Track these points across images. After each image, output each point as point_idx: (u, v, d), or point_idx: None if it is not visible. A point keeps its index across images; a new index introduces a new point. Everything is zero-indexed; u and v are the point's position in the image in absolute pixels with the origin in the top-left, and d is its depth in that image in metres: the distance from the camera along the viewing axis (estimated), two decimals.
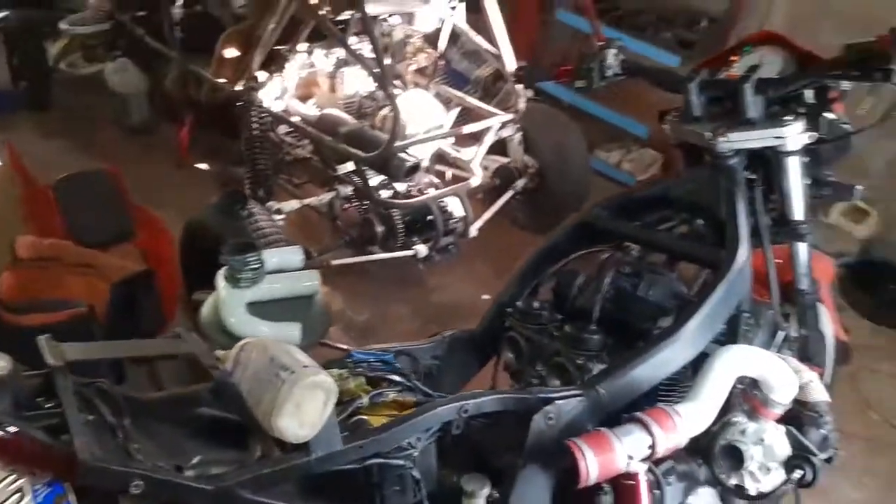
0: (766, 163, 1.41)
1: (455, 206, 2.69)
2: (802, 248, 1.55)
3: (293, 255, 1.68)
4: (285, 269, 1.64)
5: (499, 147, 3.00)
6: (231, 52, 2.79)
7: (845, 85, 1.31)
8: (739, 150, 1.39)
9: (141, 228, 2.53)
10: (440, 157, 2.86)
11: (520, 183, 2.99)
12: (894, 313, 3.02)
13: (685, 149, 1.52)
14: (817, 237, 3.26)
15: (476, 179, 2.68)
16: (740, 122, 1.36)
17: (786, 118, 1.33)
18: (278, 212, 2.40)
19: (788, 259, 1.61)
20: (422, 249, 2.62)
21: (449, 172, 2.86)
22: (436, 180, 2.72)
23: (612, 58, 1.50)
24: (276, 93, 2.66)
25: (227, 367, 0.90)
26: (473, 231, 2.74)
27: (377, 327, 2.71)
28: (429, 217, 2.63)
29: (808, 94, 1.34)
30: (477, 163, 2.75)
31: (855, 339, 2.82)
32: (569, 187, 2.97)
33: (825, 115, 1.37)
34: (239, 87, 2.62)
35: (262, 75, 2.60)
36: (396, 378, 1.11)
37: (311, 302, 1.63)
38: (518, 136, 2.96)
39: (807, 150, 1.41)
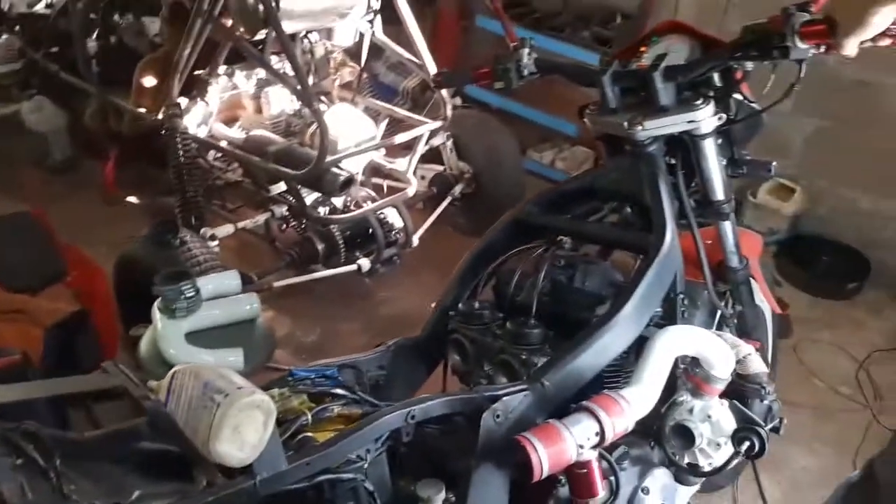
0: (684, 147, 1.45)
1: (394, 217, 2.69)
2: (727, 227, 1.59)
3: (230, 279, 1.65)
4: (223, 294, 1.61)
5: (433, 156, 3.02)
6: (149, 81, 2.73)
7: (748, 65, 1.35)
8: (657, 137, 1.42)
9: (72, 268, 2.44)
10: (375, 170, 2.86)
11: (457, 189, 3.03)
12: (828, 284, 3.15)
13: (606, 140, 1.55)
14: (748, 217, 3.40)
15: (412, 189, 2.69)
16: (654, 110, 1.39)
17: (696, 102, 1.37)
18: (212, 238, 2.35)
19: (717, 239, 1.66)
20: (365, 263, 2.61)
21: (385, 184, 2.87)
22: (372, 193, 2.71)
23: (526, 57, 1.52)
24: (199, 118, 2.61)
25: (160, 397, 0.88)
26: (415, 240, 2.74)
27: (327, 346, 2.68)
28: (369, 230, 2.62)
29: (716, 78, 1.38)
30: (411, 172, 2.77)
31: (794, 312, 2.94)
32: (504, 189, 3.00)
33: (734, 96, 1.41)
34: (160, 116, 2.57)
35: (183, 101, 2.55)
36: (340, 392, 1.10)
37: (253, 325, 1.60)
38: (450, 143, 3.00)
39: (720, 132, 1.45)
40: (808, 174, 3.31)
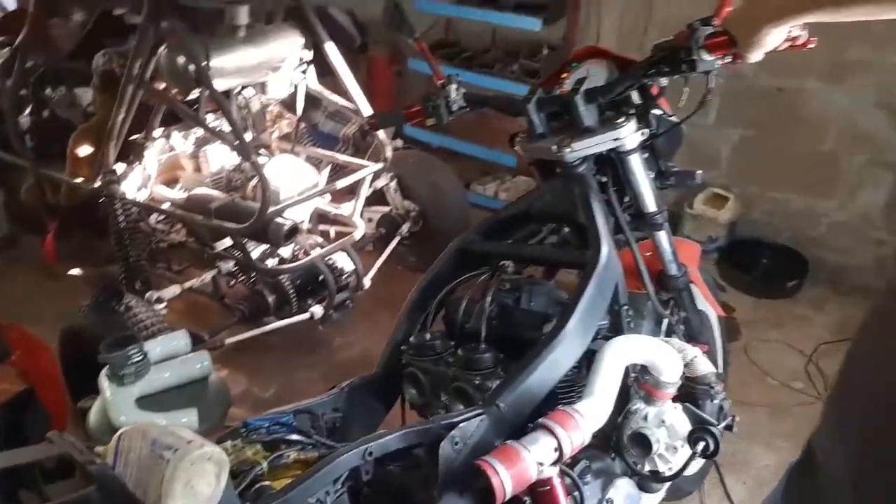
0: (613, 165, 1.52)
1: (344, 262, 2.69)
2: (663, 236, 1.65)
3: (178, 340, 1.63)
4: (172, 356, 1.59)
5: (379, 198, 3.06)
6: (84, 150, 2.71)
7: (662, 81, 1.42)
8: (585, 157, 1.48)
9: (15, 347, 2.36)
10: (322, 217, 2.87)
11: (404, 228, 3.05)
12: (770, 284, 3.26)
13: (538, 165, 1.60)
14: (688, 227, 3.50)
15: (359, 231, 2.70)
16: (580, 132, 1.45)
17: (619, 121, 1.44)
18: (159, 301, 2.32)
19: (656, 250, 1.72)
20: (318, 310, 2.59)
21: (333, 230, 2.87)
22: (320, 240, 2.72)
23: (454, 93, 1.57)
24: (138, 182, 2.60)
25: (108, 461, 0.86)
26: (367, 282, 2.74)
27: (287, 398, 2.58)
28: (319, 277, 2.61)
29: (634, 96, 1.45)
30: (358, 215, 2.78)
31: (740, 315, 3.04)
32: (451, 224, 3.04)
33: (653, 111, 1.48)
34: (98, 184, 2.54)
35: (120, 167, 2.53)
36: (295, 437, 1.09)
37: (206, 384, 1.58)
38: (393, 183, 3.04)
39: (645, 147, 1.52)
40: (739, 181, 3.44)
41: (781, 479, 0.96)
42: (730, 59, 1.30)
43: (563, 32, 3.60)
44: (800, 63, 3.05)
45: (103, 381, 1.47)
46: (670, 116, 1.52)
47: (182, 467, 0.80)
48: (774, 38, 1.16)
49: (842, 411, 0.82)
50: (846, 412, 0.80)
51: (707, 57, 1.29)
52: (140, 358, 1.46)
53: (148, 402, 1.47)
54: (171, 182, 2.78)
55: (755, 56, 1.24)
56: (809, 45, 1.26)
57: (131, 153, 2.61)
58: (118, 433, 0.87)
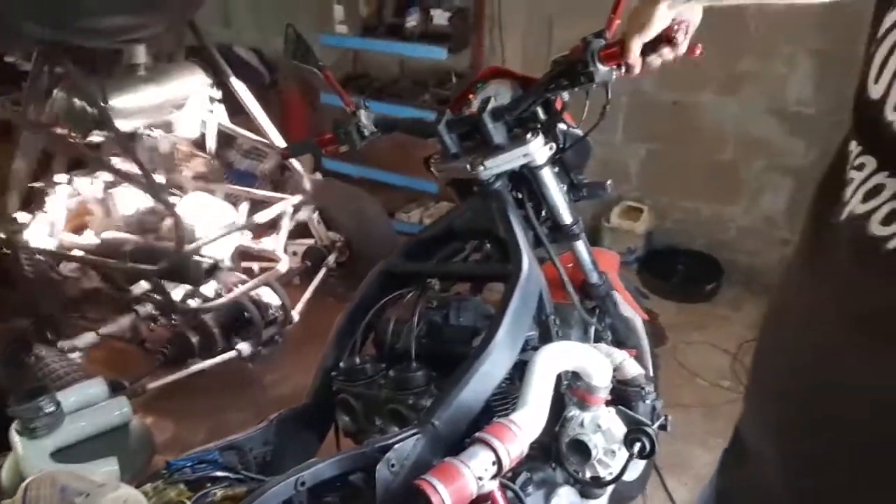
0: (526, 180, 1.55)
1: (270, 296, 2.63)
2: (581, 246, 1.69)
3: (94, 388, 1.56)
4: (89, 404, 1.51)
5: (302, 231, 3.02)
6: None
7: (564, 95, 1.47)
8: (499, 174, 1.50)
9: None
10: (244, 254, 2.81)
11: (330, 259, 3.03)
12: (689, 289, 3.38)
13: (455, 185, 1.62)
14: (607, 240, 3.61)
15: (284, 265, 2.65)
16: (491, 150, 1.48)
17: (526, 137, 1.47)
18: (73, 350, 2.20)
19: (577, 261, 1.76)
20: (245, 347, 2.52)
21: (257, 266, 2.81)
22: (243, 277, 2.65)
23: (364, 118, 1.57)
24: (44, 230, 2.48)
25: None
26: (295, 316, 2.69)
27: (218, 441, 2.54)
28: (244, 313, 2.54)
29: (539, 112, 1.49)
30: (281, 249, 2.74)
31: (664, 320, 3.13)
32: (378, 251, 2.99)
33: (559, 126, 1.53)
34: (0, 235, 2.41)
35: (22, 216, 2.41)
36: (221, 474, 1.04)
37: (126, 431, 1.52)
38: (316, 215, 3.01)
39: (555, 161, 1.56)
40: (651, 193, 3.58)
41: (716, 468, 0.99)
42: (625, 70, 1.35)
43: (469, 61, 3.68)
44: (695, 77, 3.22)
45: (14, 436, 1.38)
46: (575, 129, 1.57)
47: None
48: (662, 16, 1.22)
49: (759, 396, 0.86)
50: (762, 397, 0.84)
51: (602, 67, 1.34)
52: (52, 409, 1.39)
53: (64, 454, 1.40)
54: (80, 228, 2.66)
55: (635, 53, 1.29)
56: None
57: (34, 201, 2.49)
58: (25, 482, 0.81)
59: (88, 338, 2.30)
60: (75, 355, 2.19)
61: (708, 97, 3.28)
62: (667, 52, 1.30)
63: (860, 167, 0.66)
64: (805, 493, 0.73)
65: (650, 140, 3.47)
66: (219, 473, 1.04)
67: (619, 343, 1.86)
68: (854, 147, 0.68)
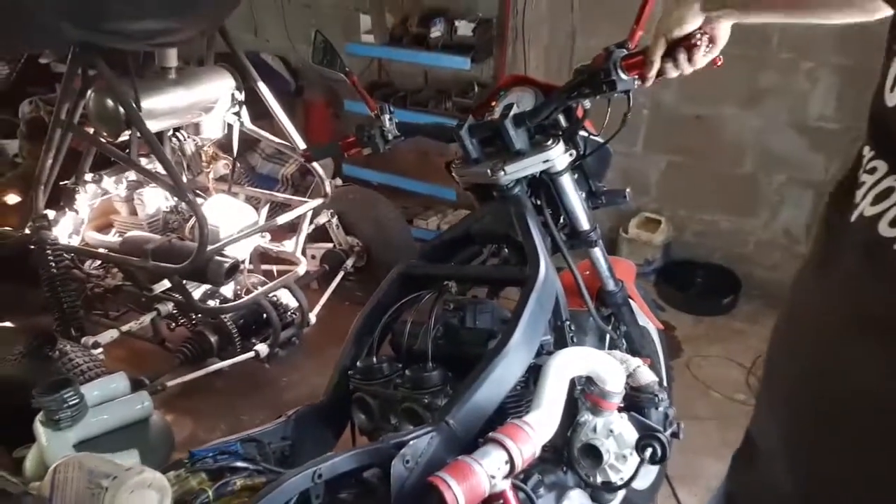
0: (546, 186, 1.57)
1: (288, 298, 2.67)
2: (598, 253, 1.70)
3: (117, 381, 1.58)
4: (111, 398, 1.54)
5: (321, 235, 3.06)
6: (12, 199, 2.64)
7: (585, 103, 1.49)
8: (519, 180, 1.52)
9: None
10: (263, 256, 2.85)
11: (348, 263, 3.05)
12: (706, 302, 3.37)
13: (475, 190, 1.64)
14: (625, 251, 3.61)
15: (302, 267, 2.69)
16: (512, 155, 1.50)
17: (547, 143, 1.49)
18: (95, 345, 2.24)
19: (594, 268, 1.77)
20: (262, 348, 2.55)
21: (275, 269, 2.85)
22: (262, 278, 2.69)
23: (388, 122, 1.60)
24: (70, 228, 2.53)
25: (44, 494, 0.83)
26: (312, 318, 2.72)
27: None
28: (263, 315, 2.58)
29: (561, 119, 1.51)
30: (299, 252, 2.77)
31: (680, 332, 3.12)
32: (395, 255, 3.05)
33: (580, 133, 1.54)
34: (27, 231, 2.47)
35: (50, 213, 2.47)
36: (241, 465, 1.06)
37: (147, 424, 1.54)
38: (335, 219, 3.04)
39: (575, 168, 1.57)
40: (669, 205, 3.57)
41: (727, 471, 1.00)
42: (638, 79, 1.38)
43: (492, 70, 3.72)
44: (718, 91, 3.22)
45: (38, 428, 1.41)
46: (596, 137, 1.59)
47: (122, 495, 0.78)
48: (695, 16, 1.24)
49: (769, 398, 0.87)
50: (773, 399, 0.85)
51: (624, 76, 1.36)
52: (76, 401, 1.42)
53: (87, 446, 1.42)
54: (105, 227, 2.72)
55: (662, 42, 1.30)
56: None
57: (62, 199, 2.55)
58: (53, 466, 0.84)
59: (110, 334, 2.35)
60: (97, 351, 2.22)
61: (730, 111, 3.28)
62: (683, 60, 1.32)
63: (872, 171, 0.68)
64: (815, 494, 0.75)
65: (671, 152, 3.48)
66: (239, 464, 1.06)
67: (633, 352, 1.87)
68: (867, 152, 0.70)
